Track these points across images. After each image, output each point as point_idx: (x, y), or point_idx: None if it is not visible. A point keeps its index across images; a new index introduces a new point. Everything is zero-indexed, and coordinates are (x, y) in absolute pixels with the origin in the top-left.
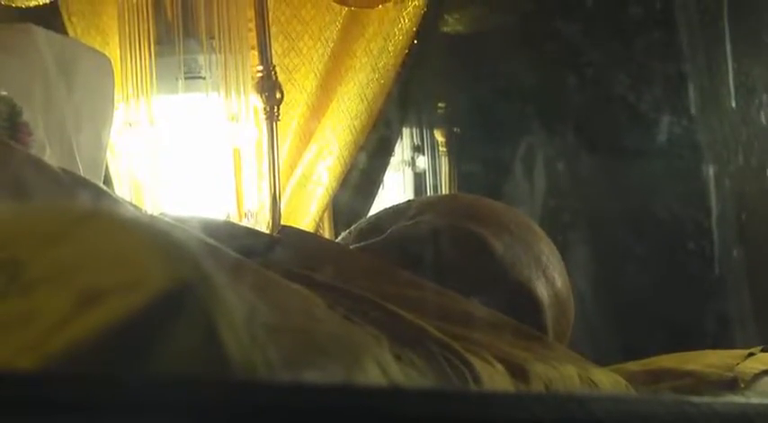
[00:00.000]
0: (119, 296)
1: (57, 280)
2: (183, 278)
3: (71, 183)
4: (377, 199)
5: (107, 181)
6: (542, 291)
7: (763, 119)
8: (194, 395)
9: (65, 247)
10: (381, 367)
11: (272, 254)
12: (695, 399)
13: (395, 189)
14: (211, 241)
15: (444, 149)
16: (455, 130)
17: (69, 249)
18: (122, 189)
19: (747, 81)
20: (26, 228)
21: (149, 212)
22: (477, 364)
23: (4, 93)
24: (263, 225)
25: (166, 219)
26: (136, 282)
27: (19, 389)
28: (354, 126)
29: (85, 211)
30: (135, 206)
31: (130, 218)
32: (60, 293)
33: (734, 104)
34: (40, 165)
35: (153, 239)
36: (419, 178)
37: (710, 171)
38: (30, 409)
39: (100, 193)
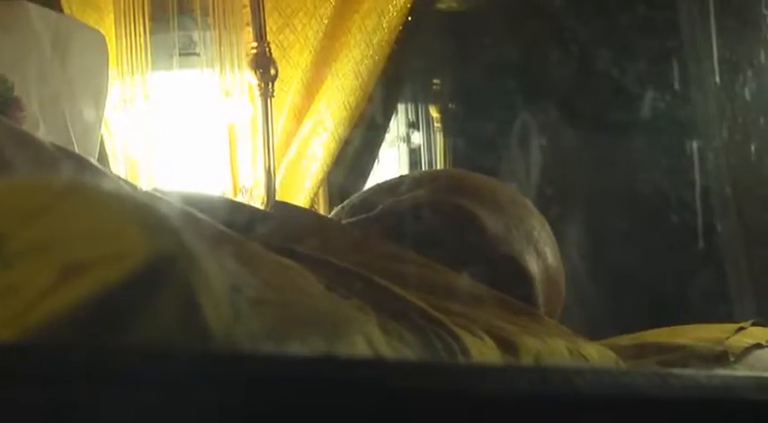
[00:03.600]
0: (100, 269)
1: (38, 253)
2: (165, 251)
3: (58, 156)
4: (372, 175)
5: (102, 158)
6: (533, 265)
7: (746, 94)
8: (174, 367)
9: (46, 220)
10: (368, 340)
11: (258, 228)
12: (679, 371)
13: (390, 165)
14: (195, 214)
15: (439, 125)
16: (450, 106)
17: (51, 223)
18: (117, 166)
19: (731, 56)
20: (8, 201)
21: (143, 188)
22: (466, 337)
23: None
24: (257, 201)
25: (153, 193)
26: (117, 254)
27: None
28: (349, 102)
29: (67, 185)
30: (125, 181)
31: (113, 191)
32: (41, 267)
33: (718, 80)
34: (23, 138)
35: (134, 212)
36: (414, 154)
37: (695, 146)
38: (10, 380)
39: (87, 166)
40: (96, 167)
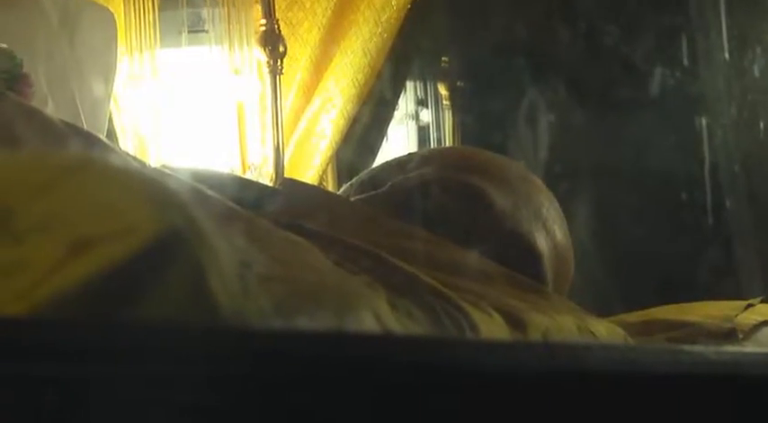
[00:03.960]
0: (108, 244)
1: (47, 228)
2: (173, 226)
3: (66, 133)
4: (381, 152)
5: (111, 134)
6: (542, 242)
7: (755, 71)
8: (182, 342)
9: (55, 195)
10: (377, 316)
11: (267, 204)
12: (688, 347)
13: (399, 142)
14: (204, 190)
15: (448, 103)
16: (458, 83)
17: (59, 198)
18: (126, 142)
19: (740, 33)
20: (17, 176)
21: (152, 165)
22: (475, 313)
23: (4, 45)
24: (266, 178)
25: (162, 170)
26: (125, 230)
27: (8, 335)
28: (357, 80)
29: (76, 160)
30: (133, 157)
31: (121, 167)
32: (50, 242)
33: (727, 57)
34: (32, 114)
35: (143, 188)
36: (423, 131)
37: (703, 123)
38: (19, 354)
39: (95, 143)
40: (105, 144)
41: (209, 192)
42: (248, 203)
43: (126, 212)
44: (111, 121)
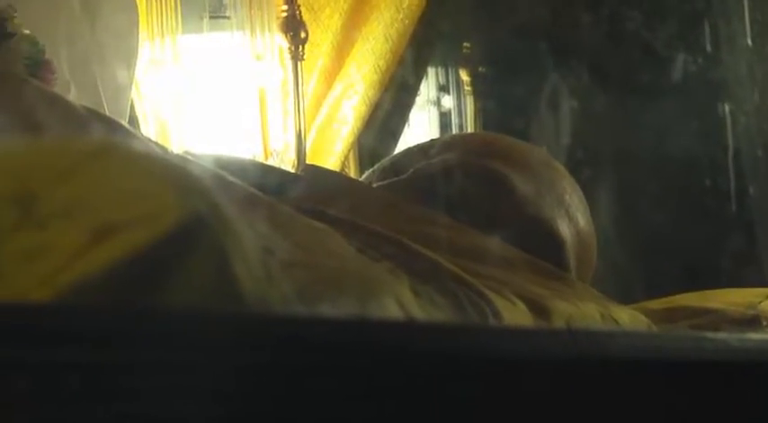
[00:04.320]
0: (132, 230)
1: (70, 214)
2: (197, 212)
3: (88, 118)
4: (403, 138)
5: (133, 120)
6: (564, 229)
7: None
8: (205, 328)
9: (79, 181)
10: (400, 303)
11: (289, 191)
12: (711, 334)
13: (420, 128)
14: (227, 177)
15: (469, 89)
16: (480, 69)
17: (83, 183)
18: (148, 128)
19: (763, 19)
20: (40, 162)
21: (174, 151)
22: (498, 300)
23: (27, 31)
24: (288, 164)
25: (184, 156)
26: (149, 215)
27: (31, 321)
28: (379, 66)
29: (99, 146)
30: (156, 143)
31: (144, 152)
32: (74, 227)
33: (750, 42)
34: (54, 99)
35: (167, 173)
36: (444, 117)
37: (726, 109)
38: (42, 340)
39: (117, 128)
40: (127, 129)
41: (232, 178)
42: (270, 190)
43: (149, 198)
44: (132, 107)
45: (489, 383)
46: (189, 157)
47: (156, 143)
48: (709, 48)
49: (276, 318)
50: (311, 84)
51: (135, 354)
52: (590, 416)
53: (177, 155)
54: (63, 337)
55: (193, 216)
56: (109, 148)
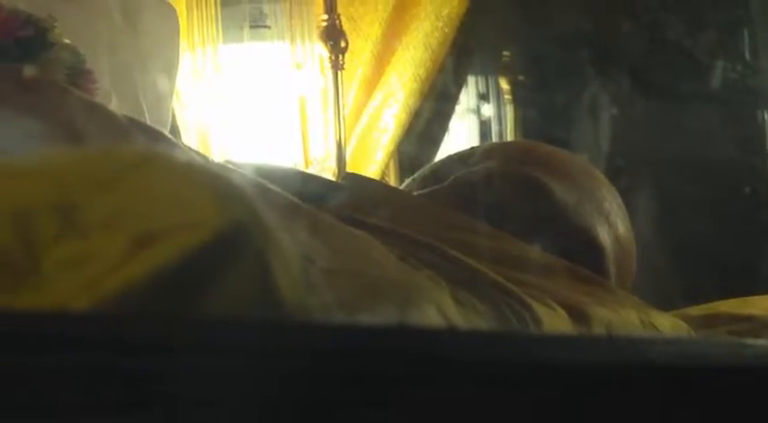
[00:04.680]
0: (174, 238)
1: (112, 223)
2: (238, 220)
3: (129, 128)
4: (443, 146)
5: (174, 129)
6: (605, 236)
7: None
8: (247, 336)
9: (120, 190)
10: (440, 310)
11: (329, 199)
12: (751, 341)
13: (461, 136)
14: (267, 185)
15: (509, 97)
16: (519, 77)
17: (124, 193)
18: (190, 138)
19: None
20: (82, 172)
21: (215, 160)
22: (538, 307)
23: (68, 41)
24: (328, 172)
25: (225, 165)
26: (191, 224)
27: (73, 329)
28: (419, 74)
29: (140, 155)
30: (197, 152)
31: (185, 161)
32: (115, 236)
33: None
34: (95, 108)
35: (207, 182)
36: (484, 126)
37: (765, 116)
38: (84, 348)
39: (159, 138)
40: (168, 139)
41: (273, 186)
42: (311, 198)
43: (191, 207)
44: (174, 116)
45: (530, 390)
46: (230, 166)
47: (198, 152)
48: (748, 56)
49: (317, 326)
50: (351, 92)
51: (176, 361)
52: (630, 422)
53: (218, 164)
54: (105, 344)
55: (234, 224)
56: (150, 158)
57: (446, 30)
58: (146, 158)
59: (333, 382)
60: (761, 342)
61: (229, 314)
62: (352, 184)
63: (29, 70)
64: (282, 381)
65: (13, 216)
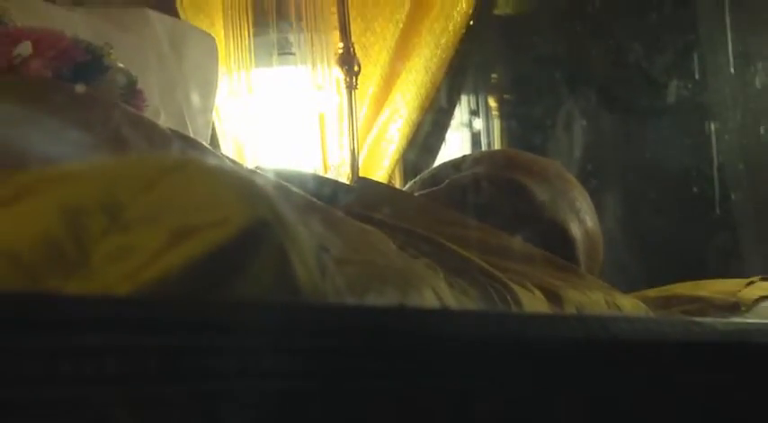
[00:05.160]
0: (206, 233)
1: (152, 219)
2: (261, 217)
3: (171, 137)
4: (440, 154)
5: (213, 140)
6: (576, 230)
7: (757, 83)
8: (269, 317)
9: (159, 191)
10: (437, 294)
11: (342, 199)
12: (700, 319)
13: (455, 146)
14: (288, 186)
15: (496, 113)
16: (505, 96)
17: (163, 193)
18: (227, 147)
19: (744, 50)
20: (126, 175)
21: (248, 166)
22: (519, 290)
23: (122, 65)
24: (344, 177)
25: (255, 170)
26: (220, 221)
27: (117, 311)
28: (421, 94)
29: (178, 161)
30: (229, 158)
31: (217, 166)
32: (155, 231)
33: (732, 71)
34: (139, 120)
35: (235, 184)
36: (475, 137)
37: (712, 128)
38: (125, 329)
39: (196, 146)
40: (205, 147)
41: (293, 188)
42: (326, 198)
43: (220, 206)
44: (213, 129)
45: (511, 360)
46: (259, 171)
47: (229, 158)
48: (697, 75)
49: (329, 307)
50: (363, 109)
51: (207, 340)
52: (595, 391)
53: (245, 168)
54: (144, 325)
55: (258, 221)
56: (186, 163)
57: (443, 56)
58: (182, 163)
59: (344, 355)
60: (708, 320)
61: (254, 298)
62: (363, 186)
63: (80, 88)
64: (298, 355)
65: (65, 214)
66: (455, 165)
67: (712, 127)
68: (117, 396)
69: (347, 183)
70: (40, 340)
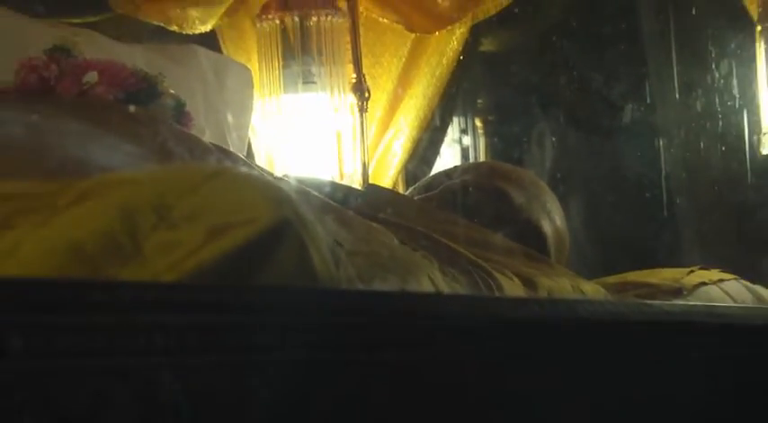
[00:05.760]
0: (238, 230)
1: (194, 218)
2: (284, 217)
3: (212, 150)
4: (435, 165)
5: (249, 153)
6: (547, 228)
7: (698, 107)
8: (291, 299)
9: (201, 194)
10: (432, 281)
11: (353, 201)
12: (650, 302)
13: (448, 158)
14: (309, 191)
15: (482, 132)
16: (489, 118)
17: (204, 196)
18: (261, 159)
19: (687, 80)
20: (173, 180)
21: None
22: (500, 278)
23: (173, 91)
24: (356, 184)
25: (286, 179)
26: (251, 220)
27: (164, 295)
28: (419, 116)
29: (216, 169)
30: (261, 168)
31: (249, 174)
32: (196, 228)
33: (677, 96)
34: (184, 136)
35: (264, 189)
36: (464, 151)
37: (661, 143)
38: (170, 310)
39: (233, 157)
40: (240, 158)
41: (313, 192)
42: (340, 201)
43: (251, 207)
44: (249, 144)
45: (493, 336)
46: (286, 178)
47: (260, 168)
48: (648, 100)
49: (342, 292)
50: (372, 128)
51: (241, 318)
52: (564, 361)
53: (274, 176)
54: (185, 307)
55: (282, 219)
56: (224, 171)
57: (438, 85)
58: (220, 172)
59: (354, 331)
60: (657, 302)
61: (278, 284)
62: (371, 191)
63: (136, 109)
64: (316, 331)
65: (122, 213)
66: (448, 174)
67: (660, 143)
68: (163, 366)
69: (358, 188)
70: (101, 319)
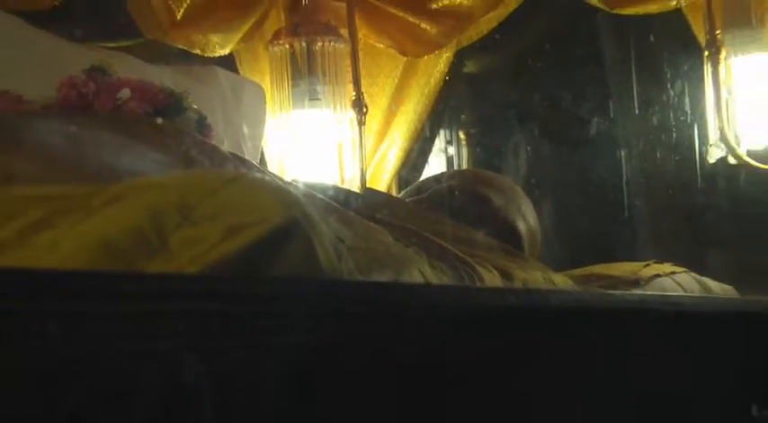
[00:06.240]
0: (252, 228)
1: (214, 218)
2: (293, 217)
3: (229, 157)
4: (424, 172)
5: (262, 161)
6: (522, 227)
7: (654, 121)
8: (298, 289)
9: (220, 196)
10: (422, 273)
11: (353, 203)
12: (612, 291)
13: (435, 166)
14: (314, 194)
15: (465, 143)
16: (471, 131)
17: (222, 198)
18: (273, 166)
19: (646, 98)
20: (195, 184)
21: (286, 179)
22: (482, 271)
23: (196, 106)
24: (355, 187)
25: (294, 184)
26: (263, 219)
27: (186, 285)
28: (410, 129)
29: (233, 174)
30: (273, 174)
31: (262, 179)
32: (216, 226)
33: (637, 112)
34: (204, 144)
35: (275, 192)
36: (450, 160)
37: (622, 153)
38: (190, 299)
39: (248, 164)
40: (254, 165)
41: (318, 195)
42: (341, 202)
43: (263, 208)
44: (262, 153)
45: (475, 323)
46: (293, 182)
47: (272, 173)
48: (611, 115)
49: (345, 283)
50: (370, 140)
51: (256, 305)
52: (535, 344)
53: (284, 180)
54: (206, 295)
55: (291, 219)
56: (240, 176)
57: (427, 102)
58: (236, 177)
59: (354, 318)
60: (618, 292)
61: (288, 275)
62: (369, 194)
63: (163, 122)
64: (321, 317)
65: (150, 212)
66: (436, 179)
67: (622, 153)
68: (187, 349)
69: (357, 192)
70: (130, 307)
